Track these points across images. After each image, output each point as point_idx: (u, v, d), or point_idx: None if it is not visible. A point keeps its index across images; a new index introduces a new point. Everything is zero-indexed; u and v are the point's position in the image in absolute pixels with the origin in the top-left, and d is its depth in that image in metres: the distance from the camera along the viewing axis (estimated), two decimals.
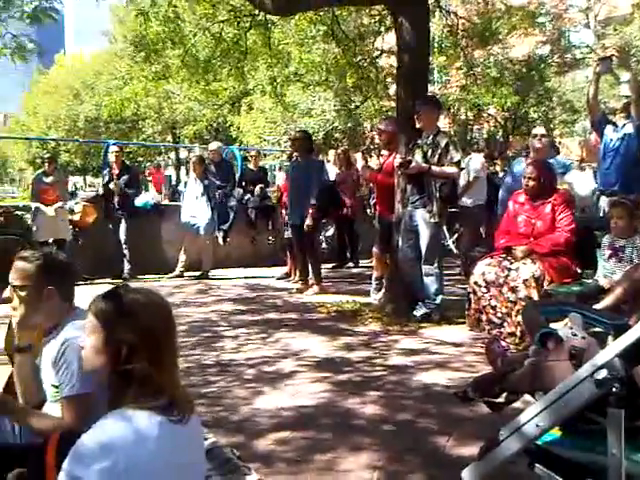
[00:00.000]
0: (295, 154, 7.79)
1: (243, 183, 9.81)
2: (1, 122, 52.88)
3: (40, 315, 2.38)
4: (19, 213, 8.12)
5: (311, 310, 6.37)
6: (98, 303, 1.76)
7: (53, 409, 2.34)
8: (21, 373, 2.46)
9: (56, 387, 2.31)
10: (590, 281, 4.58)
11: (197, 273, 8.51)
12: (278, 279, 8.46)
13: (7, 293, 2.37)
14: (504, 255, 4.98)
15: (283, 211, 8.41)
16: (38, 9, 9.60)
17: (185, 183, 9.23)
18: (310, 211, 7.12)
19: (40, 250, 2.69)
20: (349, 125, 19.51)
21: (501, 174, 9.79)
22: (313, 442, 3.06)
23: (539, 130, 6.04)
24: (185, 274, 8.53)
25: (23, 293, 2.34)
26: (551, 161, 5.50)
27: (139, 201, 9.02)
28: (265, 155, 18.49)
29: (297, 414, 3.44)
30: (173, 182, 22.48)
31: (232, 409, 3.50)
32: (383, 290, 6.44)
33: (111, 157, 8.74)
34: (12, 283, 2.36)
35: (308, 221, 7.12)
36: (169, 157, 36.37)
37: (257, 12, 8.78)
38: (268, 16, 9.27)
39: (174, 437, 1.63)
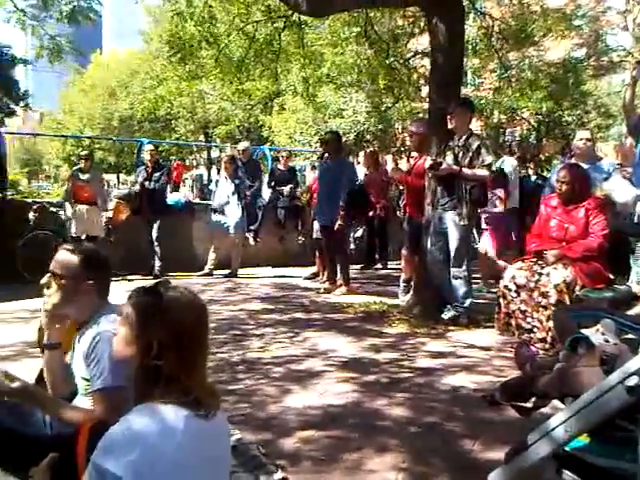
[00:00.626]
0: (325, 155, 7.81)
1: (273, 183, 9.86)
2: (37, 120, 53.90)
3: (73, 307, 2.42)
4: (54, 209, 8.28)
5: (339, 310, 6.37)
6: (135, 296, 1.78)
7: (84, 402, 2.38)
8: (50, 368, 2.51)
9: (87, 380, 2.34)
10: (623, 287, 4.50)
11: (226, 271, 8.58)
12: (306, 279, 8.48)
13: (45, 280, 2.42)
14: (535, 259, 4.92)
15: (312, 211, 8.43)
16: (76, 9, 9.80)
17: (216, 182, 9.30)
18: (341, 212, 7.12)
19: (83, 244, 2.73)
20: (380, 127, 19.46)
21: (533, 177, 9.66)
22: (339, 442, 3.07)
23: (583, 134, 5.90)
24: (214, 272, 8.61)
25: (62, 282, 2.38)
26: (586, 166, 5.40)
27: (170, 199, 9.13)
28: (295, 155, 18.56)
29: (324, 413, 3.45)
30: (204, 181, 22.67)
31: (259, 407, 3.53)
32: (411, 292, 6.41)
33: (146, 156, 8.87)
34: (53, 271, 2.40)
35: (340, 221, 7.13)
36: (201, 156, 36.73)
37: (291, 13, 8.84)
38: (302, 17, 9.31)
39: (200, 432, 1.65)
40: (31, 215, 7.81)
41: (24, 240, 7.58)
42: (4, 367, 2.46)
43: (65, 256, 2.41)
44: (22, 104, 26.64)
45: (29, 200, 9.03)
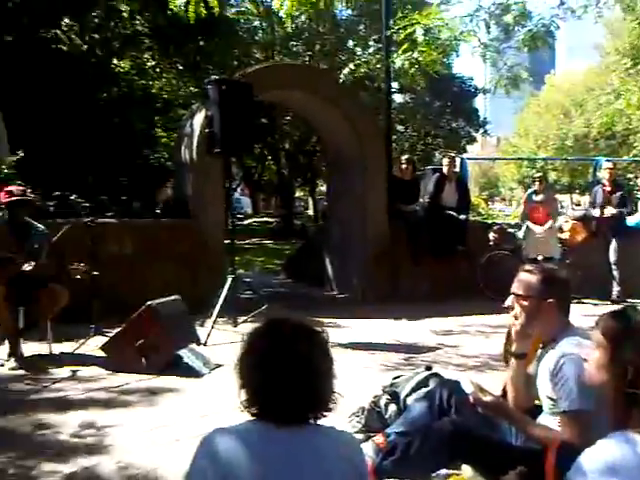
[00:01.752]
0: None
1: None
2: (494, 145, 56.73)
3: (538, 326, 2.53)
4: (511, 230, 8.68)
5: None
6: (607, 320, 1.77)
7: (548, 420, 2.44)
8: (513, 378, 2.67)
9: (552, 400, 2.40)
10: None
11: None
12: None
13: (509, 302, 2.59)
14: None
15: None
16: (535, 36, 10.08)
17: None
18: None
19: (542, 265, 2.84)
20: None
21: None
22: None
23: None
24: None
25: (525, 303, 2.52)
26: None
27: (631, 221, 8.59)
28: None
29: None
30: None
31: None
32: None
33: (604, 174, 8.61)
34: (515, 292, 2.57)
35: None
36: None
37: None
38: None
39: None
40: (491, 236, 8.35)
41: (485, 259, 8.16)
42: (474, 378, 2.71)
43: (526, 277, 2.55)
44: (481, 131, 28.41)
45: (489, 221, 9.65)
